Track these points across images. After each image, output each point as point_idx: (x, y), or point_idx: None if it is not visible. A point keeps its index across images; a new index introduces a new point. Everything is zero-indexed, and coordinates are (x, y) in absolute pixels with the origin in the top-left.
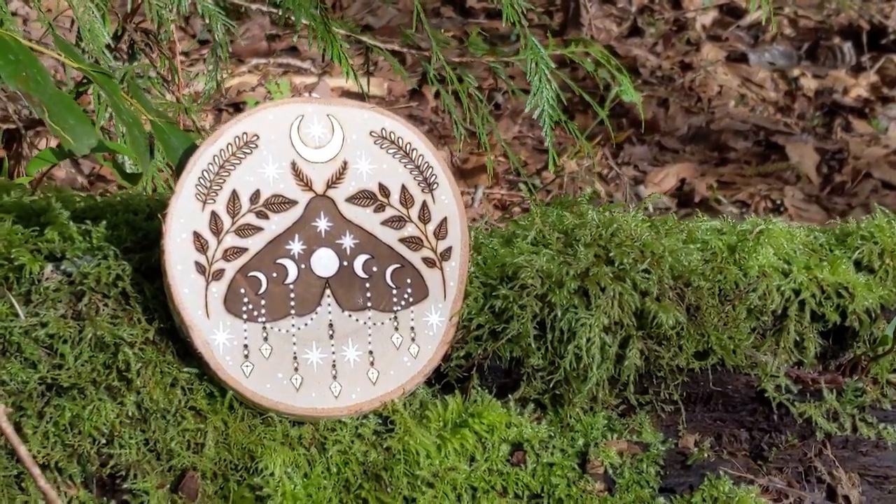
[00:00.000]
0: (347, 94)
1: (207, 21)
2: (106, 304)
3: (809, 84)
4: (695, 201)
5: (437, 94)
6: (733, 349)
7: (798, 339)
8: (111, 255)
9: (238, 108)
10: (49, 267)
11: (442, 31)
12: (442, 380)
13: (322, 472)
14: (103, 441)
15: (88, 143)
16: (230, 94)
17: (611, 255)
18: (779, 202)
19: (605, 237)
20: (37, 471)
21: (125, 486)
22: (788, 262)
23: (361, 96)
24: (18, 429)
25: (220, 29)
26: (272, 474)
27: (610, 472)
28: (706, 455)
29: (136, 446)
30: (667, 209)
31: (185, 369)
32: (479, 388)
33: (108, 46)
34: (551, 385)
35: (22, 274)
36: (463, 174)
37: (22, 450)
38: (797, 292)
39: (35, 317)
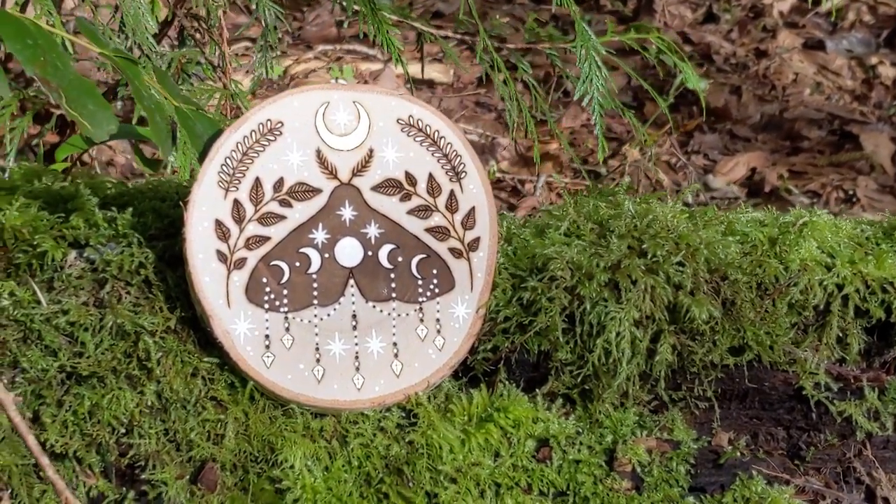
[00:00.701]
0: (413, 80)
1: (255, 7)
2: (128, 293)
3: (887, 72)
4: (765, 191)
5: (504, 82)
6: (770, 345)
7: (841, 335)
8: (135, 243)
9: None
10: (73, 254)
11: (510, 17)
12: (469, 373)
13: (343, 466)
14: (122, 431)
15: (108, 129)
16: (295, 80)
17: (644, 246)
18: (851, 192)
19: (640, 228)
20: (45, 460)
21: (143, 476)
22: (832, 256)
23: (428, 83)
24: (37, 417)
25: (269, 15)
26: (292, 467)
27: (638, 470)
28: (739, 454)
29: (155, 436)
30: (736, 199)
31: (206, 359)
32: (507, 382)
33: (155, 34)
34: (580, 380)
35: (45, 260)
36: (526, 162)
37: (30, 439)
38: (840, 287)
39: (57, 304)
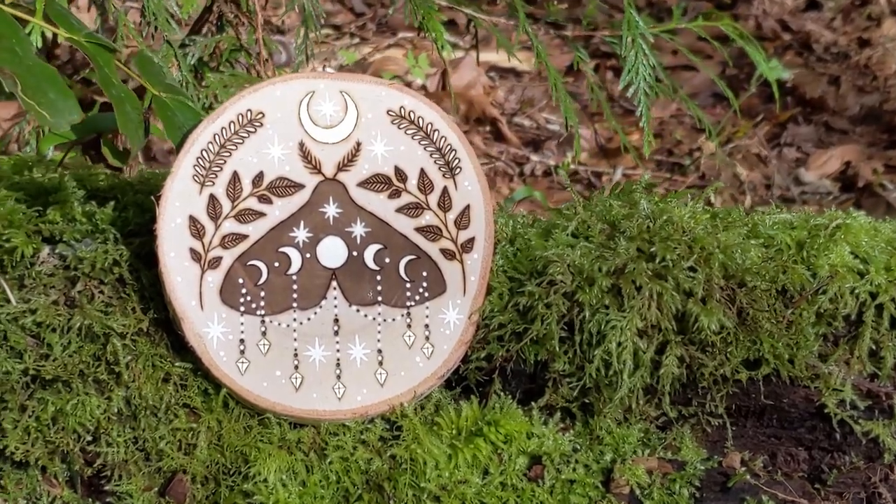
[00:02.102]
0: (495, 68)
1: None
2: (101, 292)
3: None
4: (858, 186)
5: (595, 69)
6: (790, 358)
7: (874, 347)
8: (111, 239)
9: None
10: (45, 250)
11: (604, 2)
12: (463, 382)
13: (320, 481)
14: (89, 438)
15: (69, 118)
16: (372, 67)
17: (653, 249)
18: None
19: (652, 230)
20: None
21: (107, 487)
22: (866, 262)
23: (513, 72)
24: None
25: (308, 3)
26: (265, 481)
27: (637, 492)
28: (753, 476)
29: (123, 445)
30: (828, 194)
31: (179, 363)
32: (502, 394)
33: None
34: (580, 393)
35: (14, 257)
36: (606, 153)
37: None
38: (874, 295)
39: (25, 303)
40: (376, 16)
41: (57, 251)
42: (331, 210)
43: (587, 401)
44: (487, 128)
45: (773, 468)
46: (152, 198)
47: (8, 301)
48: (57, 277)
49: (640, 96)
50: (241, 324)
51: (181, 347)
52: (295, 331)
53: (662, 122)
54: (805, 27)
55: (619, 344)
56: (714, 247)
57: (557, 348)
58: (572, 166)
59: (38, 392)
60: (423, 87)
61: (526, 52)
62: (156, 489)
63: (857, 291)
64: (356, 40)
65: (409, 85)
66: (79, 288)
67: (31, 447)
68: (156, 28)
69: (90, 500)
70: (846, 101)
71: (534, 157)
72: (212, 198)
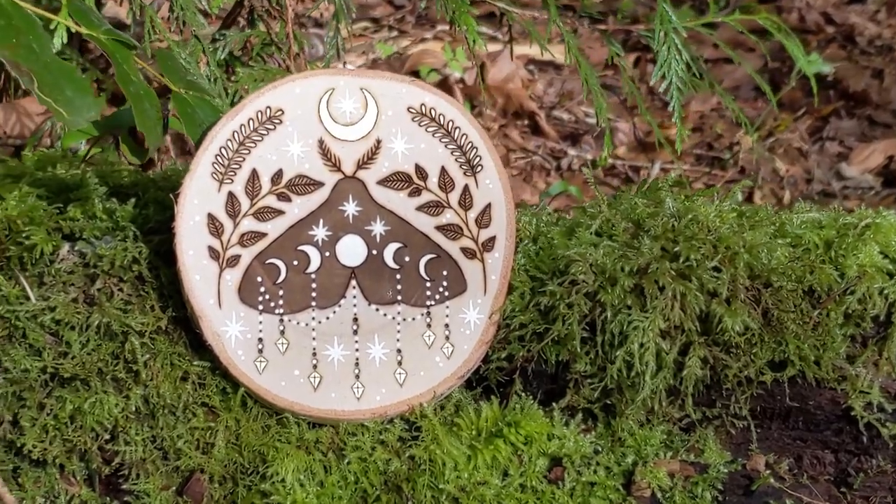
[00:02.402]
0: (534, 61)
1: None
2: (120, 289)
3: None
4: None
5: (636, 62)
6: (816, 360)
7: None
8: (131, 237)
9: (417, 76)
10: (65, 247)
11: None
12: (484, 382)
13: (338, 481)
14: (107, 437)
15: (87, 115)
16: (410, 60)
17: (677, 249)
18: None
19: (677, 229)
20: None
21: (125, 486)
22: None
23: (553, 65)
24: (16, 421)
25: None
26: (283, 481)
27: (658, 495)
28: (776, 479)
29: (142, 443)
30: (870, 188)
31: (197, 362)
32: (522, 394)
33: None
34: (602, 394)
35: (34, 254)
36: (644, 147)
37: None
38: None
39: (45, 300)
40: (415, 8)
41: (76, 248)
42: (350, 208)
43: (609, 402)
44: (525, 121)
45: (798, 471)
46: (171, 195)
47: (27, 298)
48: (76, 275)
49: (672, 91)
50: (260, 322)
51: (199, 346)
52: (314, 330)
53: (703, 115)
54: (849, 20)
55: (642, 345)
56: (739, 246)
57: (579, 349)
58: (610, 160)
59: (56, 390)
60: (462, 81)
61: (563, 45)
62: (173, 488)
63: (886, 292)
64: (394, 33)
65: (445, 79)
66: (98, 285)
67: (49, 445)
68: (184, 23)
69: (108, 498)
70: (890, 94)
71: (571, 152)
72: (230, 195)
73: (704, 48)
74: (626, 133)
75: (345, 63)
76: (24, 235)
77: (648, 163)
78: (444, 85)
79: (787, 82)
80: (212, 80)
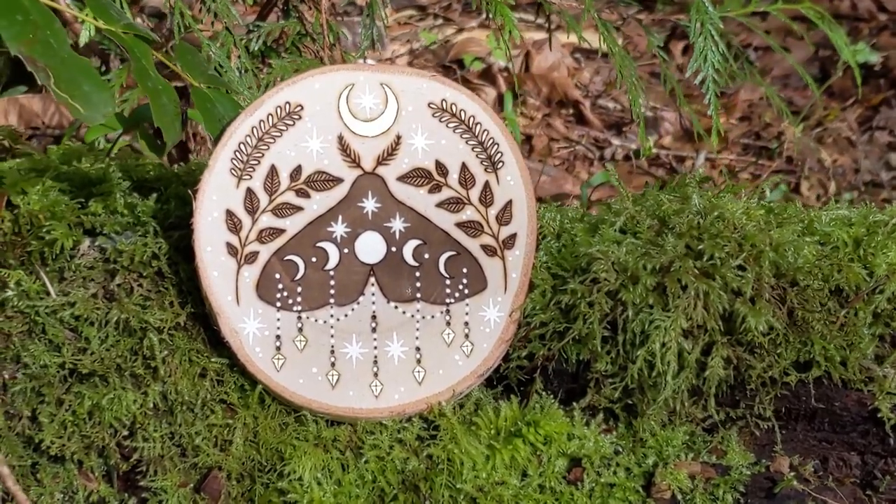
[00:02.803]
0: (581, 49)
1: None
2: (140, 285)
3: None
4: None
5: (685, 49)
6: (842, 360)
7: None
8: (151, 232)
9: (461, 64)
10: (86, 242)
11: None
12: (505, 381)
13: (355, 480)
14: (125, 433)
15: (104, 111)
16: (455, 49)
17: (701, 247)
18: None
19: (702, 226)
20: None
21: (142, 483)
22: None
23: (603, 54)
24: (34, 417)
25: None
26: (300, 479)
27: (679, 497)
28: (801, 481)
29: (160, 440)
30: None
31: (216, 359)
32: (543, 393)
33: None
34: (623, 394)
35: (54, 249)
36: (690, 136)
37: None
38: None
39: (65, 296)
40: None
41: (97, 244)
42: (370, 205)
43: (631, 402)
44: (570, 111)
45: (824, 473)
46: (189, 191)
47: (48, 294)
48: (97, 270)
49: (708, 83)
50: (278, 319)
51: (218, 342)
52: (332, 327)
53: (751, 104)
54: None
55: (663, 344)
56: (765, 244)
57: (599, 348)
58: (654, 150)
59: (75, 386)
60: (506, 69)
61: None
62: (191, 485)
63: None
64: (440, 21)
65: (489, 67)
66: (118, 281)
67: (67, 441)
68: (215, 15)
69: (126, 495)
70: None
71: (615, 141)
72: (249, 191)
73: (754, 37)
74: (671, 122)
75: (388, 55)
76: (45, 230)
77: (693, 152)
78: (488, 74)
79: (835, 71)
80: (243, 71)
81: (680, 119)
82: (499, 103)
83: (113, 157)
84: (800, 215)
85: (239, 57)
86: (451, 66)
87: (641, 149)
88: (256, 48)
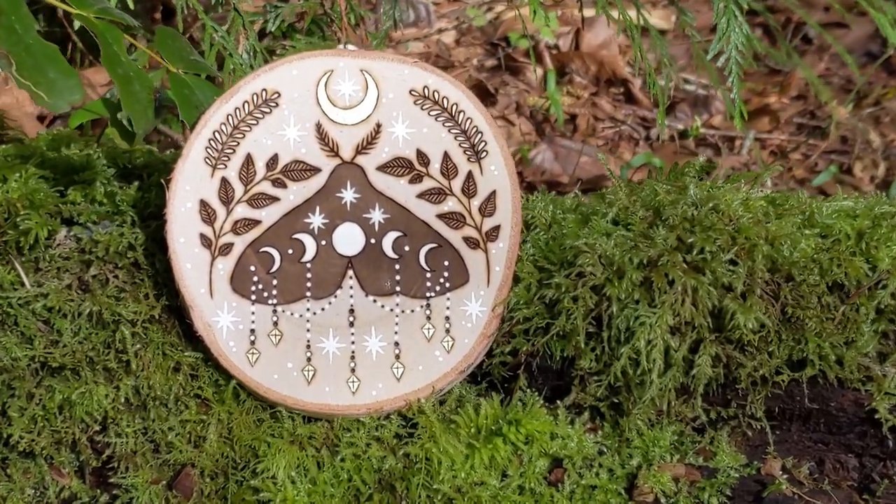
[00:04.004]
0: (635, 27)
1: None
2: (116, 276)
3: None
4: None
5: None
6: (837, 359)
7: None
8: (129, 222)
9: (507, 41)
10: (62, 232)
11: None
12: (489, 377)
13: (330, 479)
14: (97, 428)
15: (70, 99)
16: (503, 27)
17: (691, 240)
18: None
19: (696, 218)
20: None
21: (113, 479)
22: None
23: (659, 31)
24: (3, 411)
25: None
26: (274, 477)
27: (662, 501)
28: (785, 487)
29: (133, 435)
30: None
31: (190, 353)
32: (528, 391)
33: None
34: (610, 391)
35: (28, 238)
36: (741, 116)
37: None
38: None
39: (38, 287)
40: None
41: (73, 233)
42: (348, 195)
43: (617, 400)
44: (620, 89)
45: (820, 476)
46: (162, 181)
47: (22, 284)
48: (72, 261)
49: (731, 65)
50: (252, 313)
51: (193, 336)
52: (308, 321)
53: (808, 82)
54: None
55: (649, 342)
56: (760, 238)
57: (583, 345)
58: (702, 130)
59: (46, 379)
60: (556, 47)
61: (665, 10)
62: (164, 482)
63: None
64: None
65: (536, 45)
66: (93, 272)
67: (37, 436)
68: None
69: (98, 491)
70: None
71: None
72: (224, 181)
73: (815, 12)
74: (722, 101)
75: (435, 32)
76: (21, 219)
77: (742, 133)
78: (535, 51)
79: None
80: (252, 54)
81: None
82: (544, 82)
83: (103, 143)
84: (801, 206)
85: (248, 38)
86: (498, 44)
87: (690, 128)
88: (274, 28)
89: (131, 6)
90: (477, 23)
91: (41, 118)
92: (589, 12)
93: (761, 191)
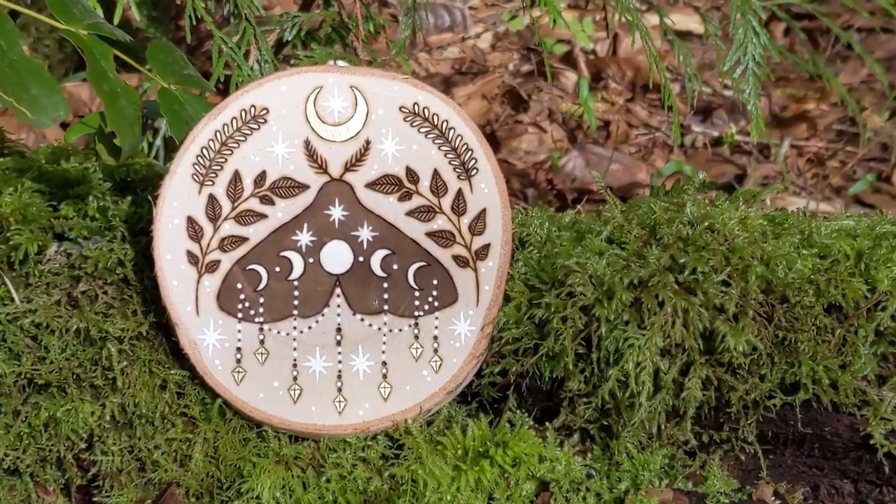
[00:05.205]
0: (678, 34)
1: None
2: (105, 292)
3: None
4: None
5: (786, 31)
6: (832, 383)
7: None
8: (119, 237)
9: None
10: (53, 247)
11: None
12: (478, 397)
13: (315, 500)
14: (83, 446)
15: (53, 115)
16: (539, 33)
17: (683, 260)
18: None
19: (690, 238)
20: None
21: (97, 499)
22: None
23: (699, 36)
24: None
25: None
26: (258, 497)
27: None
28: None
29: (119, 454)
30: None
31: (176, 371)
32: (517, 411)
33: None
34: (600, 413)
35: (18, 254)
36: (779, 123)
37: None
38: None
39: (28, 302)
40: None
41: (63, 249)
42: (336, 212)
43: (606, 423)
44: (655, 95)
45: (815, 501)
46: (149, 197)
47: (12, 300)
48: (62, 276)
49: (748, 76)
50: (239, 331)
51: (179, 353)
52: (295, 340)
53: (851, 88)
54: None
55: (638, 364)
56: (754, 258)
57: (572, 366)
58: (737, 138)
59: (32, 396)
60: (593, 52)
61: (697, 14)
62: (149, 501)
63: None
64: (527, 2)
65: (571, 51)
66: (82, 288)
67: (23, 454)
68: (236, 5)
69: None
70: None
71: (696, 128)
72: (211, 198)
73: (857, 17)
74: (761, 108)
75: (471, 37)
76: (11, 234)
77: (778, 140)
78: (569, 57)
79: None
80: (263, 63)
81: (769, 104)
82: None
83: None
84: (800, 225)
85: (258, 49)
86: (534, 49)
87: (725, 135)
88: (292, 37)
89: (137, 17)
90: (513, 27)
91: (64, 125)
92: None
93: (761, 210)
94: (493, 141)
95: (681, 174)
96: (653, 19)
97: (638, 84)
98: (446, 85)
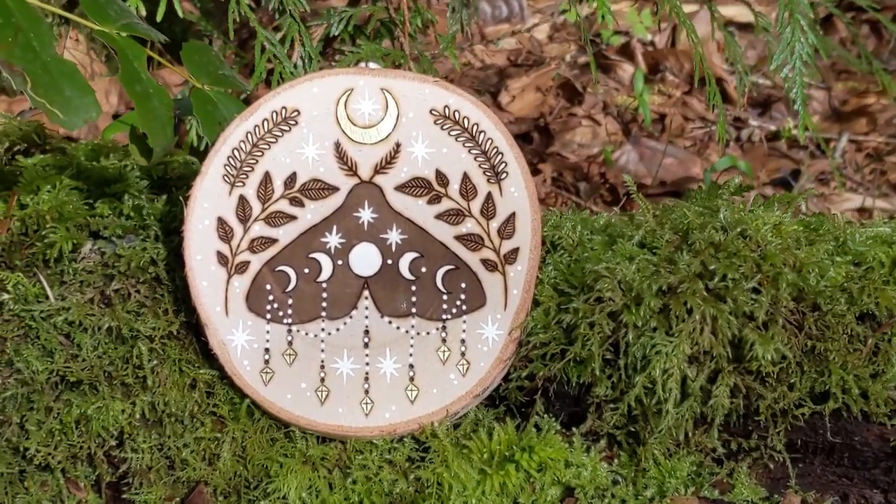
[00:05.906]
0: (733, 23)
1: None
2: (138, 291)
3: None
4: None
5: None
6: (862, 392)
7: None
8: (153, 236)
9: (600, 37)
10: (88, 245)
11: None
12: (506, 401)
13: (341, 501)
14: (113, 443)
15: (85, 116)
16: (596, 26)
17: (713, 267)
18: None
19: (722, 244)
20: None
21: (125, 496)
22: None
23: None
24: (22, 425)
25: None
26: (285, 497)
27: None
28: None
29: (149, 451)
30: None
31: (206, 370)
32: (545, 416)
33: None
34: (627, 420)
35: (53, 252)
36: (839, 117)
37: None
38: None
39: (61, 300)
40: None
41: (97, 247)
42: (366, 215)
43: (634, 429)
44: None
45: None
46: (181, 198)
47: (46, 297)
48: (96, 275)
49: (796, 76)
50: (267, 332)
51: (209, 353)
52: (323, 341)
53: None
54: None
55: (665, 371)
56: (786, 265)
57: (599, 372)
58: (794, 132)
59: (64, 394)
60: (651, 44)
61: (767, 6)
62: (177, 499)
63: None
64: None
65: (628, 42)
66: (115, 286)
67: (54, 450)
68: (281, 2)
69: None
70: None
71: (753, 122)
72: (241, 199)
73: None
74: (820, 102)
75: (530, 31)
76: (47, 232)
77: (836, 135)
78: (626, 49)
79: None
80: (307, 60)
81: (829, 98)
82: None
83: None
84: (835, 232)
85: (303, 45)
86: (593, 40)
87: (782, 129)
88: (338, 32)
89: (180, 13)
90: (570, 18)
91: (116, 116)
92: (689, 8)
93: (796, 214)
94: (547, 133)
95: (735, 169)
96: (721, 10)
97: (695, 77)
98: (501, 77)
